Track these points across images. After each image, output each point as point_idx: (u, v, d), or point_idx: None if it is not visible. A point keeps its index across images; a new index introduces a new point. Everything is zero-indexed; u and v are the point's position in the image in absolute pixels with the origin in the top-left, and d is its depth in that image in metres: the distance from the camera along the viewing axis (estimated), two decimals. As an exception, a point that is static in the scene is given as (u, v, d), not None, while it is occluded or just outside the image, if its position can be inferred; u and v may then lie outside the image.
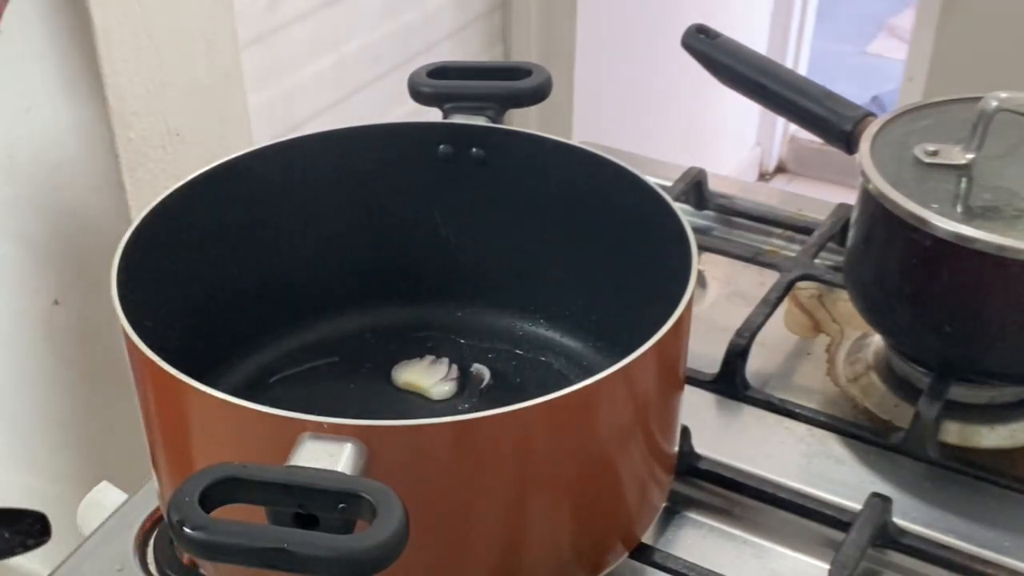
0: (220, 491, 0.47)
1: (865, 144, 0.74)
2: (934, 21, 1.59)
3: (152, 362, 0.55)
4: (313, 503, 0.48)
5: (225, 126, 1.14)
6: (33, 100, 1.05)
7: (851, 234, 0.77)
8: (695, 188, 0.96)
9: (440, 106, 0.77)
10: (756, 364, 0.80)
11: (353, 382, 0.76)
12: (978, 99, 0.72)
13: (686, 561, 0.65)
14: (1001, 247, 0.66)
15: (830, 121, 0.79)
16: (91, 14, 1.00)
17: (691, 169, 0.97)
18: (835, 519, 0.68)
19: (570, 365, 0.76)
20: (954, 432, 0.74)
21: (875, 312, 0.77)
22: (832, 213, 0.92)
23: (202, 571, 0.66)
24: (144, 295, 0.61)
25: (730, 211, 0.97)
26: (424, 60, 0.81)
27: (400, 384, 0.75)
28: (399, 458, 0.53)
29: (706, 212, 0.98)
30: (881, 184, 0.70)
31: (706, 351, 0.79)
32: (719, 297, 0.89)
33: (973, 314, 0.70)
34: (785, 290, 0.84)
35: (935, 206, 0.69)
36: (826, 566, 0.65)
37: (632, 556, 0.65)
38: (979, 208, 0.70)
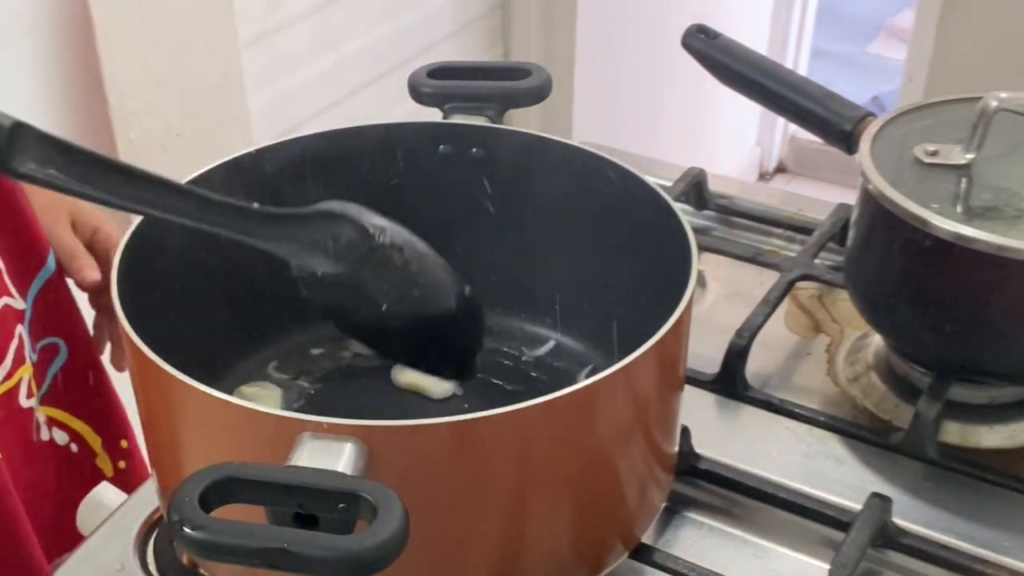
0: (220, 491, 0.47)
1: (865, 144, 0.74)
2: (934, 21, 1.59)
3: (152, 362, 0.55)
4: (313, 503, 0.48)
5: (225, 126, 1.14)
6: (33, 100, 1.05)
7: (851, 234, 0.77)
8: (695, 188, 0.96)
9: (440, 106, 0.77)
10: (756, 364, 0.80)
11: (353, 382, 0.76)
12: (978, 99, 0.72)
13: (686, 561, 0.65)
14: (1001, 247, 0.66)
15: (830, 121, 0.79)
16: (91, 14, 1.00)
17: (691, 169, 0.97)
18: (835, 519, 0.68)
19: (570, 365, 0.76)
20: (954, 432, 0.74)
21: (875, 312, 0.77)
22: (832, 213, 0.92)
23: (202, 571, 0.66)
24: (144, 295, 0.61)
25: (730, 211, 0.97)
26: (424, 60, 0.81)
27: (400, 384, 0.75)
28: (399, 458, 0.53)
29: (706, 212, 0.97)
30: (881, 184, 0.70)
31: (706, 351, 0.79)
32: (719, 297, 0.89)
33: (973, 314, 0.70)
34: (785, 290, 0.84)
35: (935, 206, 0.69)
36: (826, 566, 0.65)
37: (632, 556, 0.65)
38: (979, 208, 0.70)
